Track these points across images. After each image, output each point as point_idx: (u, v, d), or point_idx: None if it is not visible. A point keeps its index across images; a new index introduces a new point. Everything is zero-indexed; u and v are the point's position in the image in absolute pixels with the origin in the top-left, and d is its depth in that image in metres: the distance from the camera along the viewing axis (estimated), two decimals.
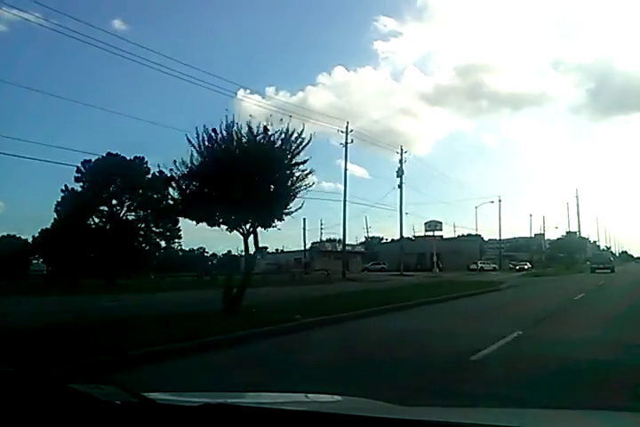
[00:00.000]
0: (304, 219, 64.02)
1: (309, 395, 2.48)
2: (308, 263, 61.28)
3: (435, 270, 57.30)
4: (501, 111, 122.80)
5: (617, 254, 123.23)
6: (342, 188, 45.67)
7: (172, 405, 1.59)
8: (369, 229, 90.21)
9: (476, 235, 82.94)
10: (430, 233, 64.24)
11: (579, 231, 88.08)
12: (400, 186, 51.31)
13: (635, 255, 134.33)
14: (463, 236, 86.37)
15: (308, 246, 69.27)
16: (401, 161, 51.47)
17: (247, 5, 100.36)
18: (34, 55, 63.96)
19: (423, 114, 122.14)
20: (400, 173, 51.36)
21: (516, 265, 71.49)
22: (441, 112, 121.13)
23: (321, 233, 79.30)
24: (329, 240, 73.95)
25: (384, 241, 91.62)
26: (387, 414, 1.75)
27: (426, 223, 64.67)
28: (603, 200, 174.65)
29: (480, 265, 62.73)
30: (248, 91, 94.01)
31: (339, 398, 2.38)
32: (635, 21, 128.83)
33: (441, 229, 65.88)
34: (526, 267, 69.69)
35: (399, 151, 51.79)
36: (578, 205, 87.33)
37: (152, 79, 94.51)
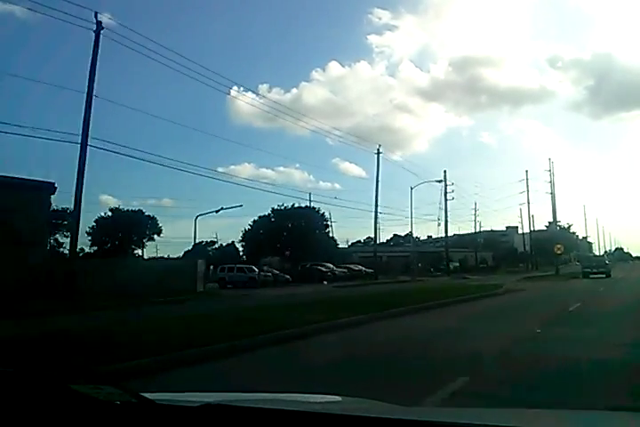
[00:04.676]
0: None
1: (309, 395, 2.48)
2: None
3: None
4: (501, 107, 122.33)
5: (611, 250, 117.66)
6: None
7: (172, 405, 1.59)
8: None
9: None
10: None
11: (554, 219, 63.27)
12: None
13: (633, 254, 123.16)
14: None
15: None
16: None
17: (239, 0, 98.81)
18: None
19: (420, 109, 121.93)
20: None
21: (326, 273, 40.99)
22: (438, 108, 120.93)
23: None
24: None
25: None
26: (387, 414, 1.75)
27: None
28: (604, 198, 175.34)
29: None
30: (241, 88, 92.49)
31: (338, 398, 2.38)
32: (633, 17, 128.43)
33: None
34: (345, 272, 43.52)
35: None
36: (552, 183, 59.77)
37: (149, 74, 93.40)
